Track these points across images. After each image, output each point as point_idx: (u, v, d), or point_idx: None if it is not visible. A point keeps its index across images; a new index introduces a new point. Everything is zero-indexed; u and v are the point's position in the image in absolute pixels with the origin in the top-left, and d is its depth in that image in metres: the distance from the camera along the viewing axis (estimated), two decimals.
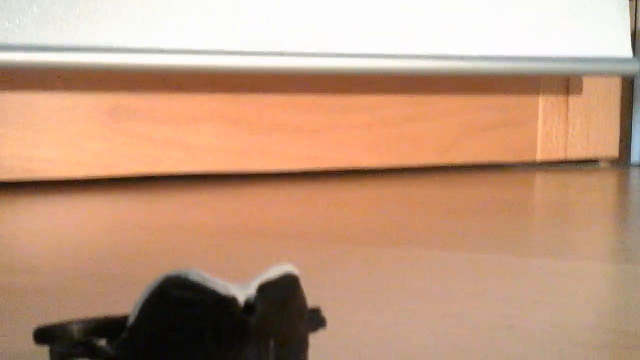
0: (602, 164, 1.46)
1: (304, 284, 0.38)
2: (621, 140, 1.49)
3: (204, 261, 0.67)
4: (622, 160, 1.49)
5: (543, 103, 1.36)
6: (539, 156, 1.37)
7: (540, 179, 1.27)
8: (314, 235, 0.78)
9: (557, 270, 0.66)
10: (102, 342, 0.38)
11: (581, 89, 1.39)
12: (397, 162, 1.24)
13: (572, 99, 1.39)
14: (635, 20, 1.47)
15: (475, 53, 1.22)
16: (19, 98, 1.03)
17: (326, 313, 0.42)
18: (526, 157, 1.36)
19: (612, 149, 1.44)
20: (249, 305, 0.36)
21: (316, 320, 0.40)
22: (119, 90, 1.08)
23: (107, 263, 0.65)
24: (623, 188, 1.19)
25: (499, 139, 1.33)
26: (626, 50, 1.34)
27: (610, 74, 1.31)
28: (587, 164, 1.47)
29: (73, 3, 1.01)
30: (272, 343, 0.36)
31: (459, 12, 1.22)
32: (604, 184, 1.22)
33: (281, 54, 1.10)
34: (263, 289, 0.36)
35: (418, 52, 1.18)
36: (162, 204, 0.95)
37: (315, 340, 0.45)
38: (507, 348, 0.47)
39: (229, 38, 1.08)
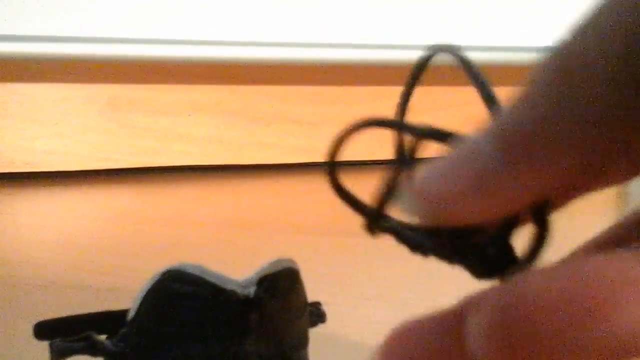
0: None
1: (304, 278, 0.38)
2: None
3: (204, 254, 0.67)
4: None
5: None
6: None
7: None
8: (314, 229, 0.78)
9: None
10: (102, 337, 0.38)
11: None
12: None
13: None
14: None
15: (477, 44, 1.21)
16: (18, 89, 1.03)
17: (326, 307, 0.42)
18: None
19: None
20: (249, 299, 0.35)
21: (316, 314, 0.40)
22: (118, 81, 1.08)
23: (107, 256, 0.65)
24: None
25: None
26: None
27: None
28: None
29: None
30: (272, 337, 0.36)
31: (461, 2, 1.22)
32: None
33: (280, 44, 1.10)
34: (263, 282, 0.36)
35: (419, 43, 1.18)
36: (161, 197, 0.95)
37: (315, 335, 0.45)
38: None
39: (229, 29, 1.08)
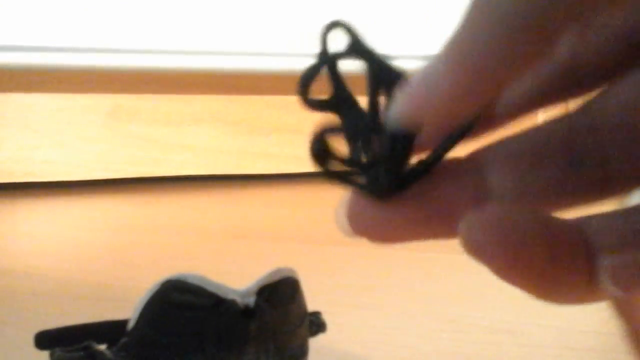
0: None
1: (304, 288, 0.38)
2: None
3: (204, 264, 0.67)
4: None
5: None
6: None
7: None
8: (313, 238, 0.78)
9: None
10: (103, 347, 0.38)
11: None
12: None
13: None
14: None
15: None
16: (19, 99, 1.03)
17: (326, 317, 0.42)
18: None
19: None
20: (249, 309, 0.35)
21: (316, 324, 0.40)
22: (118, 91, 1.08)
23: (108, 266, 0.65)
24: None
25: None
26: None
27: None
28: None
29: (73, 4, 1.01)
30: (272, 347, 0.36)
31: (458, 13, 1.22)
32: None
33: (280, 55, 1.10)
34: (263, 292, 0.36)
35: (419, 53, 1.18)
36: (162, 207, 0.95)
37: (316, 344, 0.45)
38: (505, 352, 0.47)
39: (229, 39, 1.08)
